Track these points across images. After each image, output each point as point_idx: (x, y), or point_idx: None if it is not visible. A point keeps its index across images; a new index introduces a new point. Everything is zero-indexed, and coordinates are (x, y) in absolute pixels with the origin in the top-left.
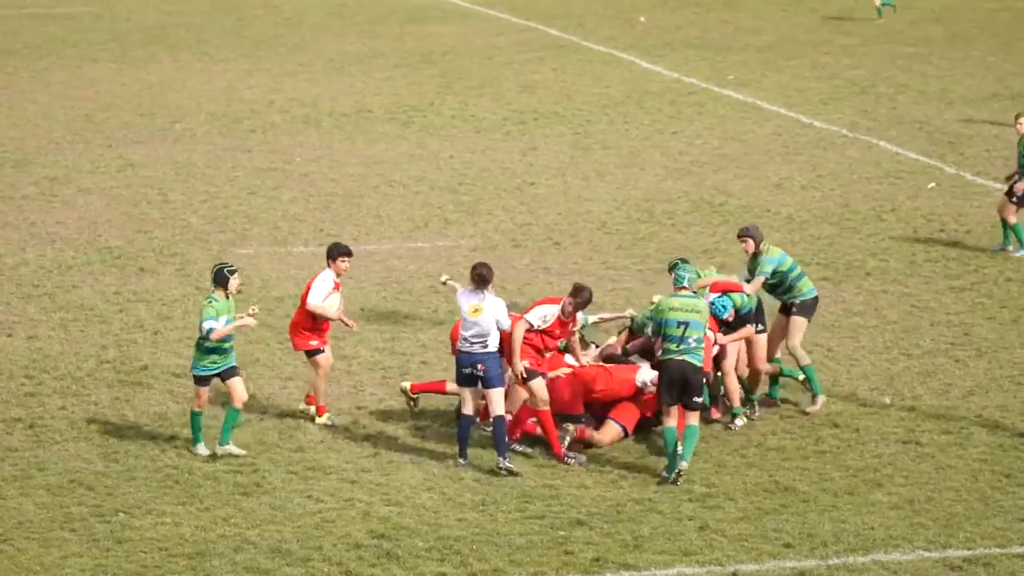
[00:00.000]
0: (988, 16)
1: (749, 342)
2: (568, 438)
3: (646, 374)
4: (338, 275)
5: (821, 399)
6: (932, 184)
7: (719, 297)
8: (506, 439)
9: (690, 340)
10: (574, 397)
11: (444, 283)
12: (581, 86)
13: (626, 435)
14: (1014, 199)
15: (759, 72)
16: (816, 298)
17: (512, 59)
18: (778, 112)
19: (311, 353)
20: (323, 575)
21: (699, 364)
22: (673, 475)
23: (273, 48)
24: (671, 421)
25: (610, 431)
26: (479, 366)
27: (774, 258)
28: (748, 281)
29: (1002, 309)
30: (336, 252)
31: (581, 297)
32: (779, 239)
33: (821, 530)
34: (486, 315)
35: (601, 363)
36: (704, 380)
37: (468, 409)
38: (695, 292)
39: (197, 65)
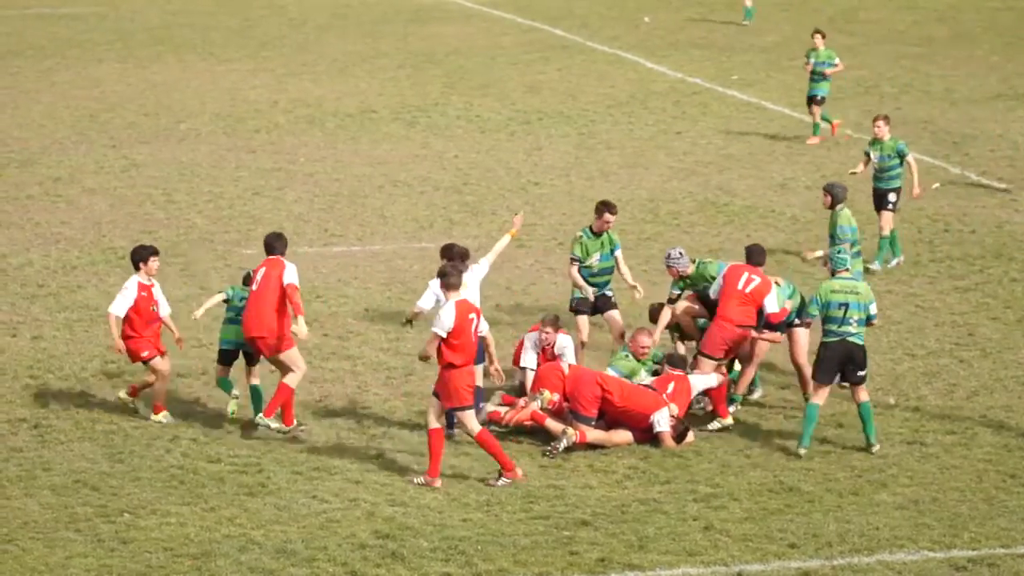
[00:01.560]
0: (992, 16)
1: (791, 337)
2: (566, 442)
3: (661, 416)
4: (150, 276)
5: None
6: (936, 184)
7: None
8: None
9: (851, 320)
10: (591, 400)
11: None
12: (585, 86)
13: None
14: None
15: (763, 72)
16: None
17: (517, 59)
18: (782, 112)
19: (148, 361)
20: (328, 575)
21: (860, 343)
22: (803, 450)
23: (278, 48)
24: (818, 399)
25: (621, 435)
26: None
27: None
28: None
29: (1006, 309)
30: (144, 254)
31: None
32: (783, 239)
33: (826, 530)
34: (470, 289)
35: (627, 380)
36: (865, 355)
37: None
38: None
39: (202, 65)
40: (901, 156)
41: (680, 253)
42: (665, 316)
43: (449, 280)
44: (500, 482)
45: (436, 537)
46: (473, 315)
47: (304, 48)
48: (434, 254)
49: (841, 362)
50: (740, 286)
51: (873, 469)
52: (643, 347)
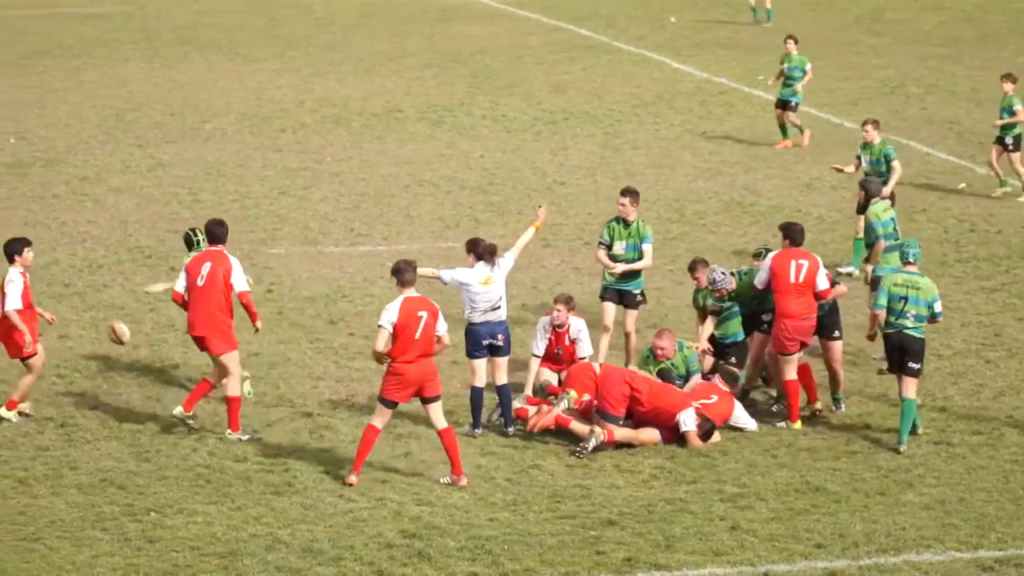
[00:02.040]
0: (1018, 16)
1: (827, 344)
2: (594, 441)
3: (687, 416)
4: (26, 267)
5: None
6: (962, 185)
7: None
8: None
9: (908, 314)
10: (619, 399)
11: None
12: (611, 86)
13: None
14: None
15: None
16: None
17: (543, 59)
18: (808, 112)
19: (27, 358)
20: (355, 574)
21: (918, 335)
22: (919, 430)
23: (304, 48)
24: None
25: (649, 434)
26: (499, 336)
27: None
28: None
29: None
30: (17, 247)
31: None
32: (810, 240)
33: (852, 530)
34: (498, 285)
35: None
36: (922, 349)
37: (481, 381)
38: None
39: (228, 65)
40: (888, 161)
41: (723, 273)
42: (708, 327)
43: (403, 277)
44: (443, 479)
45: (463, 536)
46: (424, 313)
47: (330, 48)
48: (460, 253)
49: (898, 352)
50: (792, 279)
51: (900, 469)
52: (659, 348)
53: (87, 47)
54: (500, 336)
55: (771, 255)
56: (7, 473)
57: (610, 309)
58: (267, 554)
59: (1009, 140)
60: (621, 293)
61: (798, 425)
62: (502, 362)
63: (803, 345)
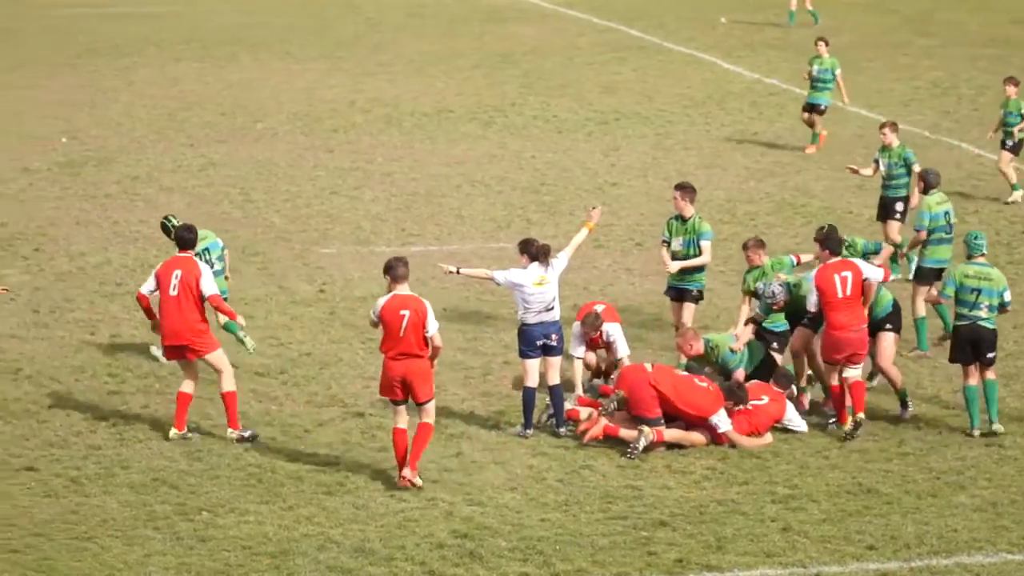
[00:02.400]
0: None
1: (879, 341)
2: (644, 441)
3: (720, 418)
4: None
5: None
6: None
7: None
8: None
9: (981, 305)
10: (650, 400)
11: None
12: (662, 87)
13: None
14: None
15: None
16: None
17: (593, 59)
18: (859, 113)
19: None
20: (406, 574)
21: (991, 326)
22: (976, 431)
23: (354, 48)
24: (971, 380)
25: (698, 435)
26: (553, 336)
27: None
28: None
29: None
30: None
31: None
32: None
33: (904, 532)
34: (552, 285)
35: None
36: (995, 338)
37: (533, 382)
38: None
39: (279, 64)
40: (908, 165)
41: (780, 286)
42: (748, 332)
43: (394, 272)
44: (412, 478)
45: (514, 537)
46: (406, 312)
47: (380, 48)
48: (512, 254)
49: (972, 344)
50: (840, 293)
51: (951, 471)
52: (685, 347)
53: (138, 47)
54: (554, 336)
55: (814, 273)
56: (59, 472)
57: (673, 306)
58: (319, 554)
59: (1010, 142)
60: (680, 290)
61: (848, 426)
62: (555, 362)
63: (854, 356)
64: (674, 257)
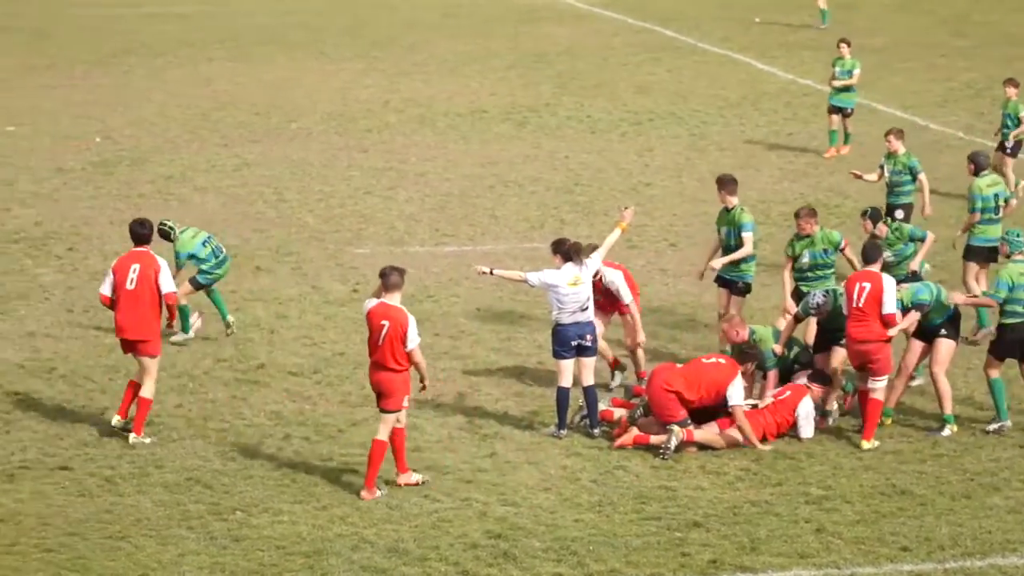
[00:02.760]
0: None
1: (936, 347)
2: (675, 440)
3: (735, 390)
4: None
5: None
6: None
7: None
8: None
9: None
10: (671, 403)
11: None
12: (696, 87)
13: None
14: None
15: (874, 74)
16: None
17: (627, 60)
18: (893, 114)
19: None
20: (440, 574)
21: None
22: (1008, 424)
23: (389, 48)
24: (995, 373)
25: (729, 436)
26: (587, 336)
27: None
28: None
29: None
30: None
31: None
32: None
33: (938, 534)
34: (586, 285)
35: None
36: None
37: (567, 382)
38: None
39: (313, 64)
40: (913, 173)
41: (824, 295)
42: (790, 327)
43: (387, 280)
44: (363, 493)
45: (548, 537)
46: (386, 323)
47: (415, 48)
48: (545, 254)
49: (1021, 343)
50: (854, 302)
51: (985, 472)
52: (731, 333)
53: (171, 46)
54: (588, 336)
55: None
56: (94, 471)
57: (720, 292)
58: (352, 554)
59: (1009, 144)
60: (726, 280)
61: (868, 444)
62: (589, 362)
63: (869, 367)
64: (723, 248)
